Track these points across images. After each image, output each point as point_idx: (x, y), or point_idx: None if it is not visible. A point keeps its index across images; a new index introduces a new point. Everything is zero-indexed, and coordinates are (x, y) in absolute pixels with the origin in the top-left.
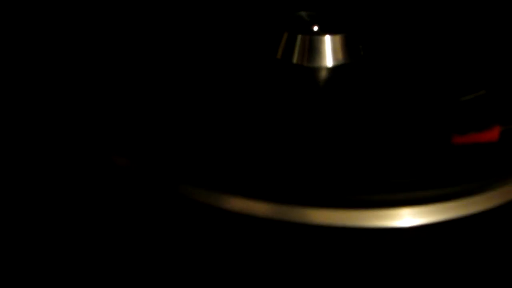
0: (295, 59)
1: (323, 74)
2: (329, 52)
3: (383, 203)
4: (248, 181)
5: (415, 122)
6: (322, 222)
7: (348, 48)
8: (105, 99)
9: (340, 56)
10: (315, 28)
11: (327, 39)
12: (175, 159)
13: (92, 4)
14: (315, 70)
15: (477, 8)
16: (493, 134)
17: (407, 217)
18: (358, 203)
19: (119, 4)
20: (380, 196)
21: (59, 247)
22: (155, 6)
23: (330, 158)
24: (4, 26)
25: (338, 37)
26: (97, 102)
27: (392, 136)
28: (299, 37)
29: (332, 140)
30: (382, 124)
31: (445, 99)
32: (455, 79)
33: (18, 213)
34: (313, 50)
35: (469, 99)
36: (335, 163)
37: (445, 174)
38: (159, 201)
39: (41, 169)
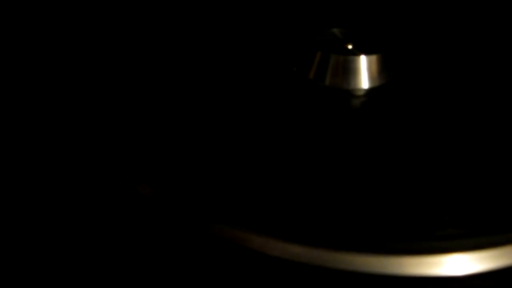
0: (328, 81)
1: (359, 97)
2: (364, 73)
3: (432, 249)
4: (284, 223)
5: (465, 154)
6: (368, 270)
7: (385, 68)
8: (129, 119)
9: (376, 77)
10: (350, 47)
11: (363, 60)
12: (203, 194)
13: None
14: (350, 92)
15: None
16: None
17: (460, 264)
18: (404, 249)
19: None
20: (429, 242)
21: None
22: (184, 21)
23: (370, 196)
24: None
25: (374, 57)
26: (120, 121)
27: (440, 171)
28: (332, 57)
29: (371, 175)
30: (428, 156)
31: (498, 127)
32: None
33: (36, 240)
34: (348, 70)
35: None
36: (376, 202)
37: (502, 217)
38: (184, 238)
39: (55, 190)
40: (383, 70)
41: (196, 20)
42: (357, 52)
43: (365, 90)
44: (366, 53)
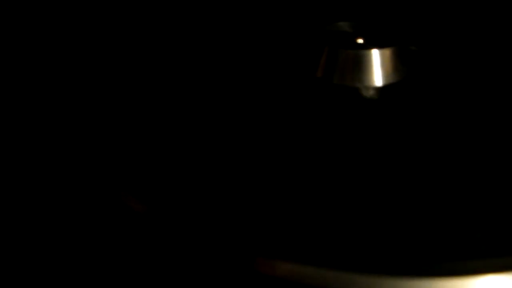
0: (337, 78)
1: (371, 95)
2: (377, 69)
3: (462, 271)
4: (295, 244)
5: (497, 167)
6: None
7: (399, 63)
8: (127, 130)
9: (390, 73)
10: (360, 41)
11: (375, 54)
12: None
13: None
14: (361, 90)
15: None
16: None
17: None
18: (435, 271)
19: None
20: (459, 263)
21: None
22: (181, 22)
23: (392, 213)
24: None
25: (387, 51)
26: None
27: (467, 183)
28: (342, 53)
29: (392, 188)
30: (453, 166)
31: None
32: None
33: (30, 254)
34: (359, 67)
35: None
36: (399, 221)
37: None
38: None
39: (47, 204)
40: (397, 66)
41: (198, 19)
42: (368, 46)
43: (378, 87)
44: (379, 47)
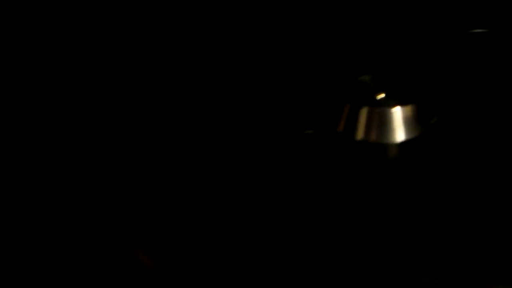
0: (359, 134)
1: (392, 151)
2: (399, 125)
3: None
4: None
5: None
6: None
7: (419, 119)
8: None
9: (410, 129)
10: (381, 96)
11: (397, 112)
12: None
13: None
14: (383, 146)
15: None
16: None
17: None
18: None
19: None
20: None
21: None
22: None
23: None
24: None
25: (409, 108)
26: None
27: (480, 228)
28: (364, 110)
29: (411, 235)
30: (468, 213)
31: None
32: None
33: None
34: (380, 123)
35: None
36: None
37: None
38: None
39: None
40: (417, 122)
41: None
42: (390, 103)
43: (398, 144)
44: (401, 104)
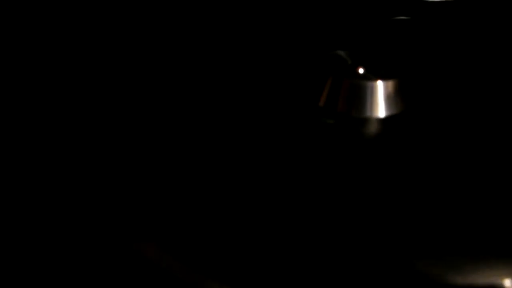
0: (340, 107)
1: (374, 126)
2: (381, 100)
3: None
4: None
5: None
6: None
7: (402, 95)
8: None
9: (393, 104)
10: (361, 71)
11: (380, 86)
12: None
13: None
14: (364, 121)
15: None
16: None
17: None
18: None
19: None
20: None
21: None
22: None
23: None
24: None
25: (392, 83)
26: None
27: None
28: (346, 83)
29: (390, 217)
30: (455, 198)
31: None
32: None
33: None
34: (363, 98)
35: None
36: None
37: None
38: None
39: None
40: (400, 97)
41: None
42: (371, 77)
43: (380, 118)
44: (383, 78)
